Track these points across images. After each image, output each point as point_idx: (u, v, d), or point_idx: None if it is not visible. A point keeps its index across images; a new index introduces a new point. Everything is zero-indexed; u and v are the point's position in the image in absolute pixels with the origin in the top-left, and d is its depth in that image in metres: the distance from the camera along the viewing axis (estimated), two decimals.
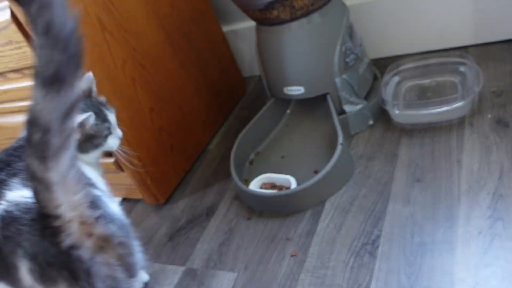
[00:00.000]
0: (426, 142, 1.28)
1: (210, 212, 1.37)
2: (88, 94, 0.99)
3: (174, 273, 1.22)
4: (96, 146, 0.96)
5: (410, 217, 1.09)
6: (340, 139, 1.25)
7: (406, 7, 1.55)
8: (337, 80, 1.35)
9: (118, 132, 1.02)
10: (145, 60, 1.37)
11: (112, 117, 1.00)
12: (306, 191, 1.19)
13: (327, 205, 1.22)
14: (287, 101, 1.52)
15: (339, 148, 1.23)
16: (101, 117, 0.96)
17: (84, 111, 0.91)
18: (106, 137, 0.97)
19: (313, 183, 1.18)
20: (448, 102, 1.29)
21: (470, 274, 0.93)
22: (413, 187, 1.16)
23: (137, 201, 1.54)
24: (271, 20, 1.31)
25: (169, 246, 1.31)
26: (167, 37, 1.46)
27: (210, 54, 1.68)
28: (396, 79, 1.47)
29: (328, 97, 1.37)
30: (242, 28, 1.82)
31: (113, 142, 1.00)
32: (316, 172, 1.29)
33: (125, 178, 1.40)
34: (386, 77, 1.45)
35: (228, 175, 1.36)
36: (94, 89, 1.02)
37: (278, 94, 1.46)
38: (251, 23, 1.48)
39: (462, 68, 1.40)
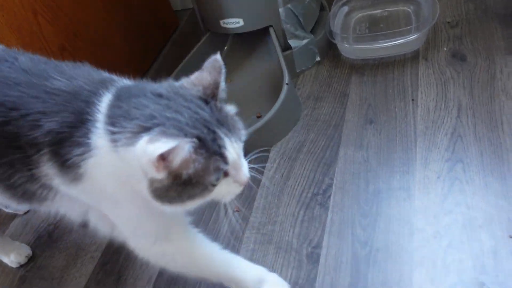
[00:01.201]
0: (378, 79, 1.17)
1: None
2: (210, 94, 0.62)
3: None
4: (192, 197, 0.60)
5: (364, 163, 0.99)
6: (286, 78, 1.11)
7: None
8: (281, 10, 1.18)
9: (241, 176, 0.62)
10: None
11: (235, 146, 0.61)
12: (249, 138, 1.05)
13: (272, 153, 1.09)
14: (224, 36, 1.33)
15: (284, 89, 1.09)
16: (210, 146, 0.57)
17: (180, 131, 0.55)
18: (213, 184, 0.59)
19: (256, 129, 1.04)
20: (401, 34, 1.17)
21: (429, 223, 0.84)
22: (366, 130, 1.05)
23: None
24: None
25: None
26: None
27: None
28: (345, 9, 1.32)
29: (271, 31, 1.21)
30: None
31: (227, 192, 0.63)
32: (259, 116, 1.15)
33: None
34: (334, 8, 1.30)
35: None
36: (222, 85, 0.63)
37: (214, 28, 1.27)
38: None
39: None
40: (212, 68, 0.65)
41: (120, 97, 0.61)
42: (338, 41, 1.23)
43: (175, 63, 1.33)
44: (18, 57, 0.70)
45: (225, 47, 1.36)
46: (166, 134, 0.54)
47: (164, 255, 0.74)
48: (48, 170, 0.65)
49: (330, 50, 1.30)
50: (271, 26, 1.21)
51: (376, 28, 1.29)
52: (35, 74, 0.66)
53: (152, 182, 0.57)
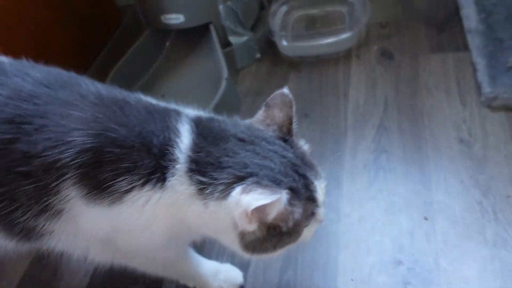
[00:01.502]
0: (314, 76, 1.22)
1: None
2: (286, 131, 0.60)
3: None
4: (286, 245, 0.58)
5: None
6: (225, 73, 1.14)
7: None
8: (221, 7, 1.21)
9: (322, 213, 0.61)
10: None
11: (322, 187, 0.60)
12: None
13: None
14: (166, 32, 1.35)
15: (224, 84, 1.12)
16: (303, 193, 0.55)
17: (274, 181, 0.53)
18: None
19: None
20: (335, 33, 1.23)
21: (355, 209, 0.90)
22: (301, 123, 1.10)
23: None
24: None
25: None
26: None
27: None
28: (284, 8, 1.37)
29: (211, 27, 1.24)
30: None
31: (310, 231, 0.61)
32: None
33: None
34: (274, 6, 1.34)
35: None
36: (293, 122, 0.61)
37: (155, 23, 1.28)
38: None
39: None
40: (283, 104, 0.62)
41: (205, 138, 0.56)
42: (277, 39, 1.28)
43: (118, 59, 1.33)
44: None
45: (167, 43, 1.38)
46: (260, 184, 0.51)
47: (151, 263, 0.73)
48: (69, 193, 0.55)
49: (269, 48, 1.34)
50: (211, 22, 1.23)
51: (313, 27, 1.35)
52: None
53: (243, 235, 0.54)
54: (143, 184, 0.54)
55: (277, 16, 1.36)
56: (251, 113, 1.15)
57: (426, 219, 0.85)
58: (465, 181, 0.88)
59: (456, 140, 0.96)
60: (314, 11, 1.39)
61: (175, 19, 1.23)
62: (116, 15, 1.65)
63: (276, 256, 0.59)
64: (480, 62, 1.05)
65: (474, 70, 1.06)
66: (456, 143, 0.95)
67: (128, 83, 1.30)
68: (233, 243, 0.56)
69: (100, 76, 1.42)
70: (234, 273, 0.83)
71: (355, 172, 0.97)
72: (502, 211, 0.82)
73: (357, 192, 0.93)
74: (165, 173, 0.54)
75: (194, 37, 1.32)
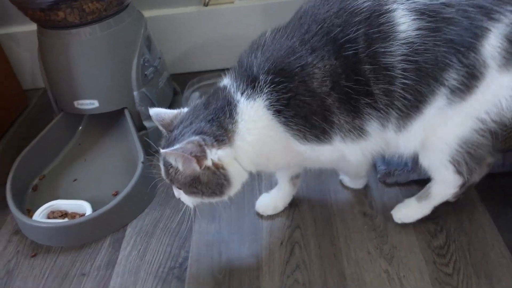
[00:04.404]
0: None
1: None
2: None
3: None
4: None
5: (216, 234, 1.06)
6: (141, 156, 1.16)
7: (207, 23, 1.56)
8: (136, 94, 1.25)
9: None
10: None
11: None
12: (104, 216, 1.05)
13: (129, 230, 1.10)
14: (78, 116, 1.34)
15: (140, 167, 1.13)
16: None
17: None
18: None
19: (111, 207, 1.05)
20: None
21: (275, 286, 0.93)
22: (218, 203, 1.13)
23: None
24: (56, 22, 1.14)
25: None
26: None
27: None
28: (197, 94, 1.45)
29: (126, 112, 1.26)
30: (21, 32, 1.57)
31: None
32: (115, 194, 1.16)
33: None
34: (186, 93, 1.42)
35: (4, 205, 1.12)
36: None
37: (68, 108, 1.28)
38: (32, 26, 1.27)
39: None
40: None
41: None
42: None
43: (22, 143, 1.29)
44: None
45: (80, 127, 1.37)
46: None
47: None
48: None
49: None
50: (126, 108, 1.26)
51: None
52: None
53: None
54: None
55: (190, 101, 1.43)
56: (168, 195, 1.18)
57: None
58: (371, 252, 0.97)
59: (361, 214, 1.06)
60: None
61: (89, 104, 1.24)
62: (21, 99, 1.61)
63: None
64: None
65: None
66: (361, 216, 1.05)
67: (36, 168, 1.26)
68: None
69: (5, 158, 1.35)
70: None
71: (273, 249, 1.01)
72: (406, 277, 0.90)
73: (277, 267, 0.96)
74: None
75: (108, 120, 1.34)
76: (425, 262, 0.93)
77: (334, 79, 0.78)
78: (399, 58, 0.74)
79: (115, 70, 1.23)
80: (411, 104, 0.78)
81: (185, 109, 0.90)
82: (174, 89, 1.48)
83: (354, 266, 0.94)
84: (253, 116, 0.82)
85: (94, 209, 1.10)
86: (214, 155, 0.81)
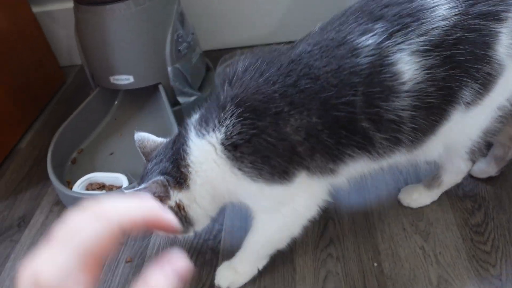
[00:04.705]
0: None
1: (23, 222, 1.14)
2: None
3: None
4: None
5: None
6: (175, 132, 1.16)
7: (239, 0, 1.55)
8: (170, 69, 1.26)
9: None
10: None
11: None
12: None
13: None
14: (114, 91, 1.37)
15: None
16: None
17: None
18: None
19: None
20: None
21: (308, 259, 0.94)
22: None
23: None
24: None
25: None
26: None
27: (17, 39, 1.41)
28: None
29: (161, 88, 1.28)
30: (58, 10, 1.59)
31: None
32: None
33: None
34: (218, 68, 1.42)
35: (45, 177, 1.16)
36: None
37: (104, 84, 1.30)
38: (69, 3, 1.29)
39: None
40: None
41: None
42: None
43: (61, 118, 1.32)
44: None
45: (116, 102, 1.39)
46: None
47: None
48: None
49: None
50: (160, 83, 1.28)
51: None
52: None
53: None
54: None
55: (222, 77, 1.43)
56: None
57: (375, 265, 0.90)
58: (407, 228, 0.96)
59: (396, 190, 1.04)
60: None
61: (125, 80, 1.25)
62: (59, 75, 1.64)
63: None
64: None
65: None
66: (396, 193, 1.04)
67: (75, 142, 1.29)
68: None
69: (44, 133, 1.40)
70: None
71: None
72: (442, 254, 0.89)
73: (310, 241, 0.97)
74: None
75: (143, 96, 1.35)
76: (462, 239, 0.91)
77: (312, 132, 0.70)
78: (406, 109, 0.68)
79: (149, 46, 1.24)
80: (422, 135, 0.73)
81: (165, 141, 0.86)
82: (207, 65, 1.48)
83: (388, 241, 0.94)
84: (200, 157, 0.75)
85: (130, 182, 1.12)
86: (176, 196, 0.77)
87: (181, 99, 1.30)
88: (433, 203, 0.99)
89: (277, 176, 0.73)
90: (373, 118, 0.68)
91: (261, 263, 0.90)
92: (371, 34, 0.67)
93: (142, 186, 0.75)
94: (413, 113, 0.69)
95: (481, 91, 0.71)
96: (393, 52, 0.66)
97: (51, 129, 1.40)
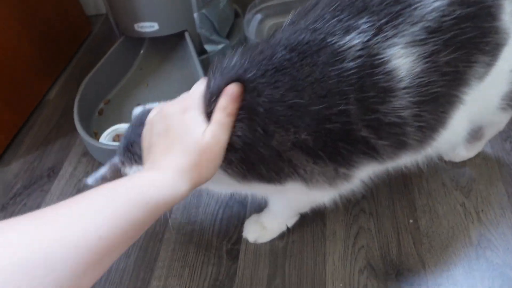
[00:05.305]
0: None
1: (52, 173, 1.15)
2: None
3: None
4: None
5: None
6: None
7: None
8: (196, 15, 1.20)
9: None
10: None
11: None
12: None
13: None
14: (139, 40, 1.32)
15: None
16: None
17: None
18: None
19: None
20: None
21: (340, 214, 0.90)
22: None
23: None
24: None
25: (1, 217, 1.07)
26: None
27: None
28: (259, 17, 1.37)
29: (187, 35, 1.22)
30: None
31: None
32: None
33: None
34: (248, 15, 1.34)
35: (73, 128, 1.15)
36: None
37: (129, 32, 1.25)
38: None
39: None
40: None
41: None
42: None
43: (88, 68, 1.29)
44: None
45: (141, 51, 1.35)
46: None
47: None
48: None
49: None
50: (186, 30, 1.22)
51: None
52: None
53: None
54: None
55: (252, 24, 1.36)
56: None
57: (411, 221, 0.85)
58: (446, 184, 0.90)
59: None
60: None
61: (149, 27, 1.20)
62: (85, 24, 1.61)
63: None
64: None
65: None
66: None
67: (101, 93, 1.27)
68: None
69: (72, 84, 1.38)
70: None
71: None
72: (484, 212, 0.83)
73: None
74: None
75: (168, 44, 1.30)
76: (507, 197, 0.85)
77: (301, 146, 0.61)
78: (407, 108, 0.58)
79: None
80: (432, 129, 0.64)
81: None
82: (236, 12, 1.40)
83: (426, 197, 0.88)
84: None
85: None
86: None
87: (208, 47, 1.25)
88: (476, 157, 0.92)
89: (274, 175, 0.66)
90: (372, 125, 0.59)
91: (289, 222, 0.88)
92: (356, 32, 0.56)
93: None
94: (417, 112, 0.60)
95: (492, 62, 0.62)
96: (384, 49, 0.56)
97: (78, 80, 1.38)
